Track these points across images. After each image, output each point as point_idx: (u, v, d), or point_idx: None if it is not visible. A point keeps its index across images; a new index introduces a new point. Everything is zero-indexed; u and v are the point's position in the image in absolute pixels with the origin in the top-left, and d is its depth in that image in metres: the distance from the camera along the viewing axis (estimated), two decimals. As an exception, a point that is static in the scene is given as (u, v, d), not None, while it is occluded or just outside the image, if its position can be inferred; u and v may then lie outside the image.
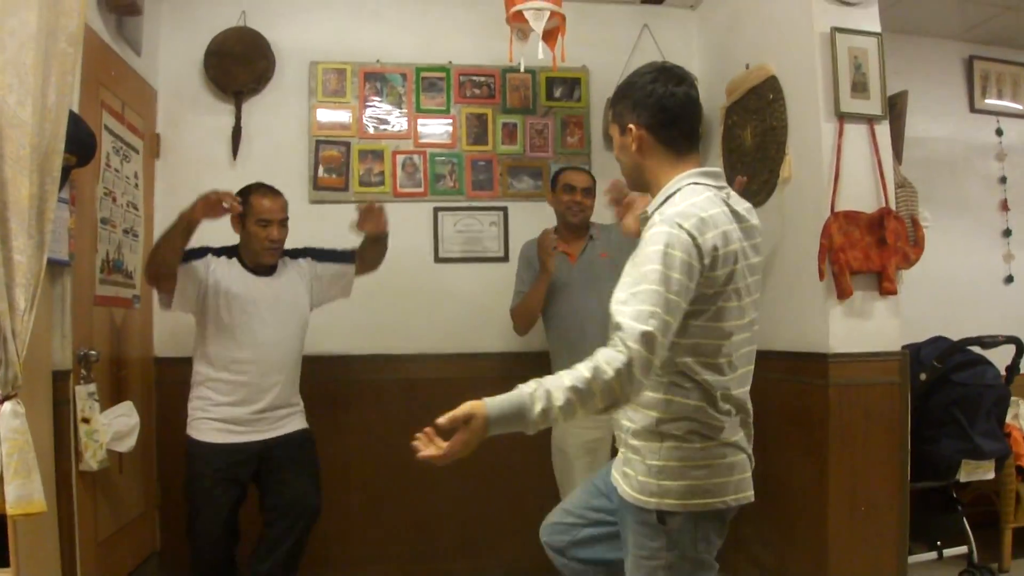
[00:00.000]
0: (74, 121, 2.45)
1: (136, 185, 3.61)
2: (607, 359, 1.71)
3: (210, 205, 2.97)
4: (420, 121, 4.20)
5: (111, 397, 3.23)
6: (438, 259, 4.15)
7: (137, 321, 3.64)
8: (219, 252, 3.24)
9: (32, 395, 2.44)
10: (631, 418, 1.99)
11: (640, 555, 1.95)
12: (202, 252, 3.17)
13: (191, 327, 3.85)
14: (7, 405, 2.16)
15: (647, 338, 1.70)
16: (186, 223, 2.98)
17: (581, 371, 1.71)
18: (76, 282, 2.89)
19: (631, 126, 2.03)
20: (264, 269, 3.26)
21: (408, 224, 4.06)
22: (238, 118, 3.98)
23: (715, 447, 1.92)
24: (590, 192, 3.60)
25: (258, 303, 3.18)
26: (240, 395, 3.15)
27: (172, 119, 3.96)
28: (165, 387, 3.84)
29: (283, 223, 3.24)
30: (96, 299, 3.17)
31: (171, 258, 3.03)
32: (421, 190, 4.17)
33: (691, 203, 1.90)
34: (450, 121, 4.23)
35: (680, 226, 1.82)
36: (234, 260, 3.24)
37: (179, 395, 3.82)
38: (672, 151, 2.03)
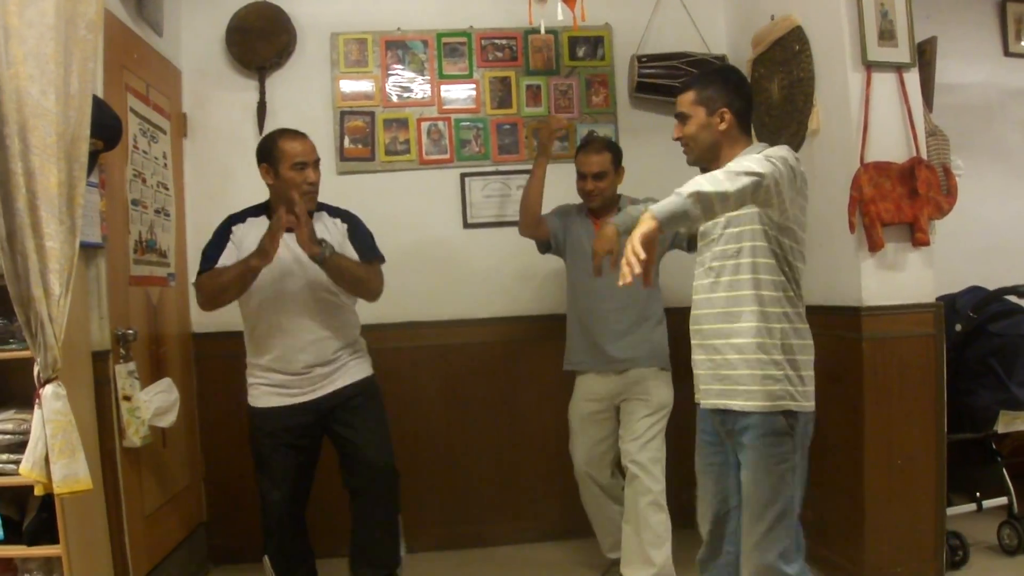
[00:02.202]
0: (98, 106, 2.49)
1: (165, 165, 3.65)
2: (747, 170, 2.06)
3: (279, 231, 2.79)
4: (443, 87, 4.18)
5: (151, 374, 3.30)
6: (467, 225, 4.15)
7: (173, 299, 3.70)
8: (243, 217, 3.08)
9: (73, 376, 2.51)
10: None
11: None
12: (223, 238, 3.03)
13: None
14: (49, 387, 2.24)
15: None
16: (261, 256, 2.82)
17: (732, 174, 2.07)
18: (110, 264, 2.95)
19: (724, 110, 2.40)
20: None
21: (435, 191, 4.08)
22: (262, 93, 4.00)
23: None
24: (602, 176, 3.41)
25: (281, 258, 2.89)
26: (278, 354, 3.04)
27: (197, 98, 3.99)
28: (203, 362, 3.93)
29: (316, 164, 3.04)
30: (131, 279, 3.23)
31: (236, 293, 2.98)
32: (447, 156, 4.16)
33: None
34: (473, 86, 4.20)
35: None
36: (263, 218, 3.04)
37: (218, 369, 3.91)
38: (744, 133, 2.44)
